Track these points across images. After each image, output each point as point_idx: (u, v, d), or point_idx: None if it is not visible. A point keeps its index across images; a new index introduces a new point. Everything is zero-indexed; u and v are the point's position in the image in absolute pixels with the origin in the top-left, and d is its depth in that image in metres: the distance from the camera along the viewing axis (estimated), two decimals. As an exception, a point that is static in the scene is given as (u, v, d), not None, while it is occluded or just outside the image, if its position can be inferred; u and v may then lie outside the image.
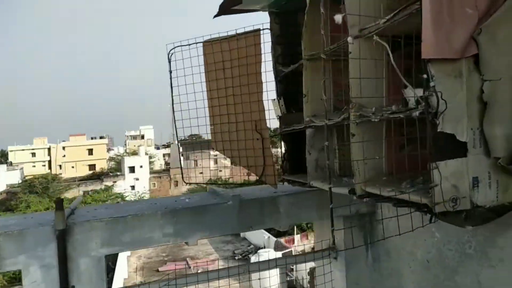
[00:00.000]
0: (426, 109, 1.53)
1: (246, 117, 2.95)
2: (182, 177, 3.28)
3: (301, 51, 2.84)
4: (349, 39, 1.93)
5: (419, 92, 1.84)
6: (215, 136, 3.12)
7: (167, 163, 66.49)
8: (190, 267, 17.01)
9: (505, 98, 1.61)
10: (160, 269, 19.76)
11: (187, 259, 20.66)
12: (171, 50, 3.22)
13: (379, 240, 2.89)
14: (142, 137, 70.28)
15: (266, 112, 2.88)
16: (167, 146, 73.45)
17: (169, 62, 3.24)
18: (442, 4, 1.50)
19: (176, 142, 3.30)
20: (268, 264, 2.92)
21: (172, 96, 3.21)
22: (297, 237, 24.14)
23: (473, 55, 1.57)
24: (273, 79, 2.92)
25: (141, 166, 51.77)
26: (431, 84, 1.51)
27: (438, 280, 2.51)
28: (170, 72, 3.24)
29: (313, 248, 3.68)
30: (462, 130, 1.56)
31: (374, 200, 1.90)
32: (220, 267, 2.77)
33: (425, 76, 1.52)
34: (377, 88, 1.99)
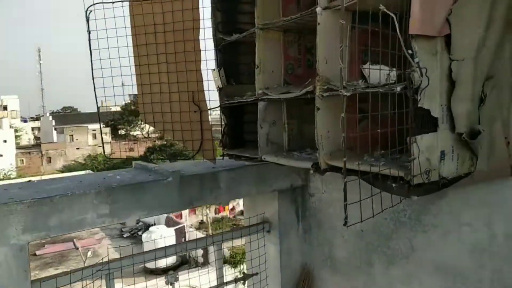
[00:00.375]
0: (409, 85, 1.56)
1: (182, 87, 2.74)
2: (104, 152, 2.96)
3: (242, 20, 2.73)
4: (318, 9, 1.87)
5: (387, 70, 1.89)
6: (144, 107, 2.84)
7: (37, 138, 60.10)
8: (78, 248, 15.75)
9: (467, 78, 1.73)
10: (37, 252, 17.97)
11: (74, 240, 19.10)
12: (89, 7, 2.81)
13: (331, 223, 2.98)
14: (5, 108, 62.11)
15: (205, 83, 2.71)
16: (37, 119, 66.27)
17: (87, 21, 2.83)
18: (429, -19, 1.53)
19: (97, 111, 2.93)
20: (206, 241, 2.81)
21: (91, 60, 2.83)
22: (185, 212, 24.09)
23: (445, 35, 1.65)
24: (212, 47, 2.74)
25: (4, 141, 45.91)
26: (416, 60, 1.54)
27: (372, 247, 2.68)
28: (89, 32, 2.84)
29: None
30: (435, 106, 1.64)
31: (341, 174, 1.91)
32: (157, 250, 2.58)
33: (410, 51, 1.54)
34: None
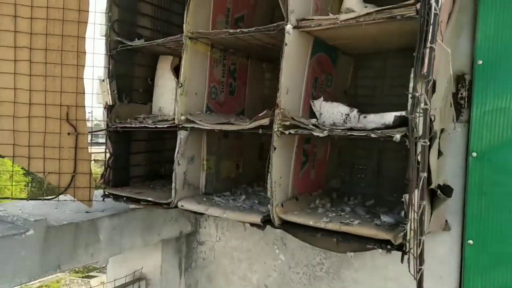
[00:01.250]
0: (411, 132, 1.32)
1: (52, 98, 1.95)
2: None
3: (141, 23, 2.18)
4: (288, 27, 1.51)
5: (345, 109, 1.65)
6: (-16, 121, 1.92)
7: None
8: None
9: (437, 129, 1.61)
10: None
11: None
12: None
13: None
14: None
15: (87, 97, 2.00)
16: None
17: None
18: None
19: None
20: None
21: None
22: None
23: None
24: (103, 51, 2.06)
25: None
26: (422, 106, 1.32)
27: (278, 306, 2.34)
28: None
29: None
30: (423, 159, 1.45)
31: (303, 233, 1.54)
32: None
33: (417, 94, 1.31)
34: (298, 94, 1.65)
